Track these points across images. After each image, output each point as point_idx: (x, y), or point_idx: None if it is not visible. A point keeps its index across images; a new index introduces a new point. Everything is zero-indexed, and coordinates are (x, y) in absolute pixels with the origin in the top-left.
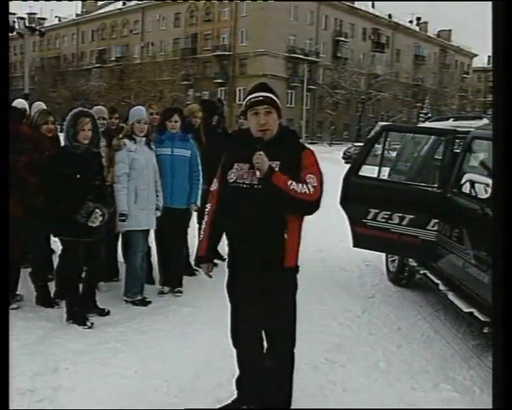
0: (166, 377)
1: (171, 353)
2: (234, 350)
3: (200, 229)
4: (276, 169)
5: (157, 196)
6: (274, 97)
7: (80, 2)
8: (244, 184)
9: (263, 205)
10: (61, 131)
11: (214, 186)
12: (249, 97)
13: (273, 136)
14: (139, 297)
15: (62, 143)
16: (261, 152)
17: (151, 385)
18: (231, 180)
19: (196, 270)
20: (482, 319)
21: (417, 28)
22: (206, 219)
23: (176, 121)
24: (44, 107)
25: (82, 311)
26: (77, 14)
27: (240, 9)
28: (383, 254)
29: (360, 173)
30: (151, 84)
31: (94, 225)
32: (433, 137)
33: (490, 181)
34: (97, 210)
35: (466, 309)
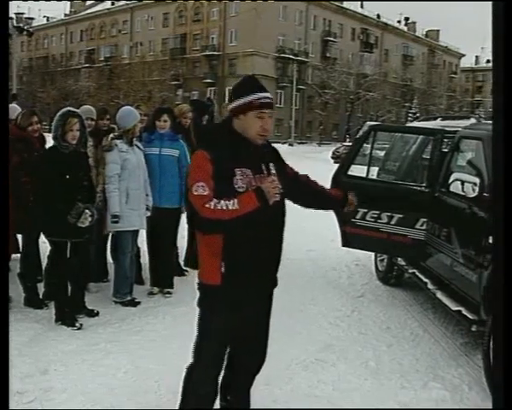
0: (157, 378)
1: (162, 353)
2: None
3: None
4: (273, 171)
5: (147, 195)
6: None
7: (69, 2)
8: None
9: (276, 216)
10: (49, 132)
11: (213, 199)
12: (256, 96)
13: None
14: (128, 298)
15: (50, 144)
16: (274, 178)
17: (142, 386)
18: (242, 189)
19: (186, 270)
20: (470, 317)
21: (406, 28)
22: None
23: (165, 121)
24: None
25: (71, 312)
26: (65, 14)
27: (229, 9)
28: (372, 254)
29: (349, 173)
30: (140, 84)
31: (83, 226)
32: (421, 136)
33: (477, 180)
34: (87, 211)
35: (454, 308)
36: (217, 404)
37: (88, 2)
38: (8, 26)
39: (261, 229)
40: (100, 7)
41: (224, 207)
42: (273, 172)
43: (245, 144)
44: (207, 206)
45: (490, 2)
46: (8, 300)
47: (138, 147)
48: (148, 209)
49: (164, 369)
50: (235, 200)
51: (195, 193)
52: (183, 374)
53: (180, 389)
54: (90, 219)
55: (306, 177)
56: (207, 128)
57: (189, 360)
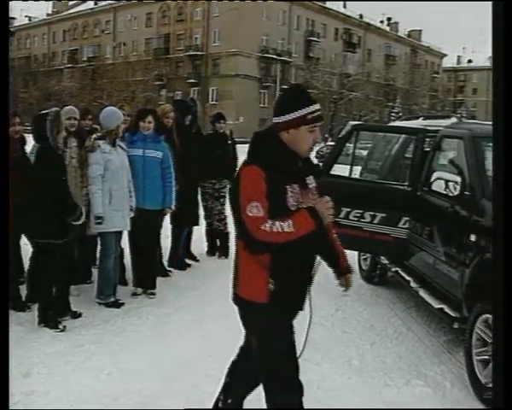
0: (141, 379)
1: (146, 354)
2: (208, 350)
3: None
4: (313, 185)
5: (130, 196)
6: None
7: (51, 1)
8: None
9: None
10: (30, 132)
11: (268, 221)
12: (310, 109)
13: None
14: (112, 299)
15: (31, 145)
16: (328, 198)
17: (126, 387)
18: (294, 207)
19: (169, 270)
20: (452, 314)
21: (388, 28)
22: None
23: (149, 122)
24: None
25: (55, 314)
26: (47, 14)
27: (212, 9)
28: (356, 253)
29: (332, 172)
30: (123, 84)
31: (77, 224)
32: (403, 136)
33: (459, 179)
34: (82, 210)
35: (437, 305)
36: (200, 398)
37: (70, 3)
38: (8, 25)
39: (307, 246)
40: (83, 7)
41: (280, 230)
42: (313, 185)
43: (294, 159)
44: (263, 228)
45: (471, 3)
46: (8, 301)
47: (121, 147)
48: (131, 210)
49: (148, 370)
50: (290, 221)
51: (250, 214)
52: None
53: (164, 390)
54: (82, 218)
55: None
56: (257, 140)
57: (174, 359)
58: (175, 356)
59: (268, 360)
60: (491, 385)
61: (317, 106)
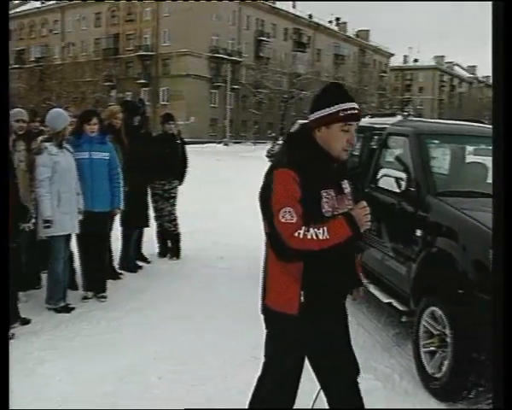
0: (93, 384)
1: (98, 359)
2: (160, 352)
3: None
4: (348, 190)
5: (78, 198)
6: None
7: None
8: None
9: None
10: None
11: (301, 227)
12: (344, 106)
13: None
14: (62, 304)
15: None
16: (365, 204)
17: (78, 393)
18: (328, 214)
19: (120, 273)
20: (400, 308)
21: (337, 28)
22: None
23: (95, 124)
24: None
25: None
26: None
27: (162, 9)
28: None
29: None
30: (73, 85)
31: (26, 228)
32: None
33: (404, 175)
34: (32, 213)
35: (385, 300)
36: (151, 400)
37: (15, 1)
38: (8, 25)
39: (342, 256)
40: (29, 6)
41: (315, 237)
42: (348, 190)
43: (328, 161)
44: (296, 235)
45: (416, 3)
46: (9, 302)
47: (68, 149)
48: (79, 213)
49: (100, 374)
50: (325, 228)
51: (283, 220)
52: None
53: (117, 394)
54: (33, 221)
55: None
56: (290, 141)
57: (125, 362)
58: (127, 360)
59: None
60: (437, 375)
61: (352, 104)
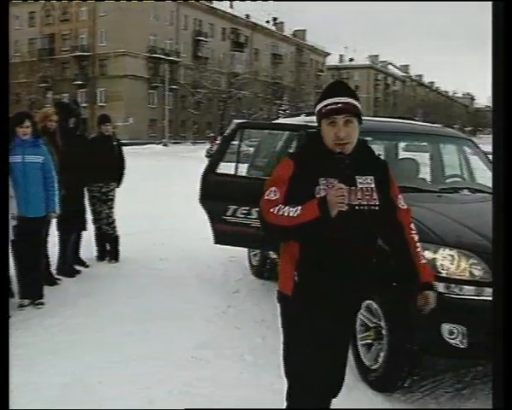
0: (33, 393)
1: (37, 368)
2: (100, 357)
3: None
4: (372, 185)
5: (10, 203)
6: (355, 102)
7: None
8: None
9: (362, 228)
10: None
11: (279, 205)
12: (325, 103)
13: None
14: None
15: None
16: (342, 186)
17: (16, 403)
18: (319, 196)
19: (58, 278)
20: None
21: (274, 28)
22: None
23: (27, 127)
24: None
25: None
26: None
27: (98, 9)
28: (246, 249)
29: (218, 171)
30: None
31: None
32: (287, 132)
33: None
34: None
35: None
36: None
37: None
38: (8, 25)
39: (340, 241)
40: None
41: (286, 214)
42: (372, 186)
43: (332, 154)
44: (272, 210)
45: (352, 3)
46: (8, 301)
47: None
48: (13, 218)
49: (39, 384)
50: (299, 207)
51: (266, 197)
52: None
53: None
54: None
55: (409, 227)
56: (306, 136)
57: (67, 369)
58: (67, 367)
59: (284, 355)
60: (374, 367)
61: (334, 99)
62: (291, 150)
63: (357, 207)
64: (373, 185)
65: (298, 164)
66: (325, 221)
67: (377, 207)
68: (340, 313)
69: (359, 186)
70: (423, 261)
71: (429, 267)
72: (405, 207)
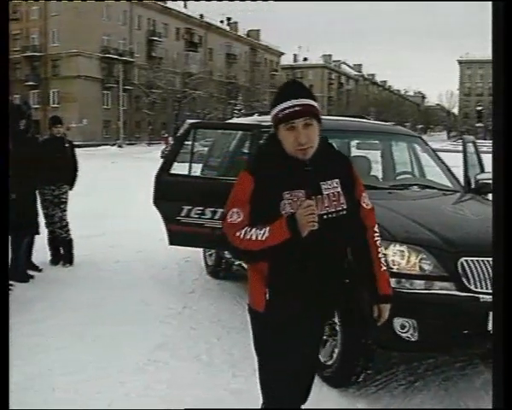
0: None
1: None
2: (55, 363)
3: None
4: (339, 189)
5: None
6: (312, 102)
7: None
8: None
9: (332, 236)
10: None
11: (244, 227)
12: (281, 107)
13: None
14: None
15: None
16: (311, 203)
17: None
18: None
19: (11, 284)
20: None
21: (228, 28)
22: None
23: None
24: None
25: None
26: None
27: (49, 8)
28: (201, 250)
29: (171, 171)
30: None
31: None
32: (240, 132)
33: None
34: None
35: None
36: None
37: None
38: (8, 25)
39: (311, 254)
40: None
41: (254, 238)
42: (338, 190)
43: (293, 162)
44: (237, 234)
45: (306, 3)
46: (8, 300)
47: None
48: None
49: None
50: (267, 228)
51: (229, 220)
52: None
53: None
54: None
55: (373, 230)
56: (262, 144)
57: (20, 376)
58: (21, 373)
59: (259, 371)
60: (329, 363)
61: (291, 102)
62: (245, 150)
63: (325, 217)
64: (339, 189)
65: (258, 179)
66: (295, 242)
67: (345, 212)
68: (315, 325)
69: (325, 193)
70: (383, 269)
71: (388, 276)
72: (370, 206)
